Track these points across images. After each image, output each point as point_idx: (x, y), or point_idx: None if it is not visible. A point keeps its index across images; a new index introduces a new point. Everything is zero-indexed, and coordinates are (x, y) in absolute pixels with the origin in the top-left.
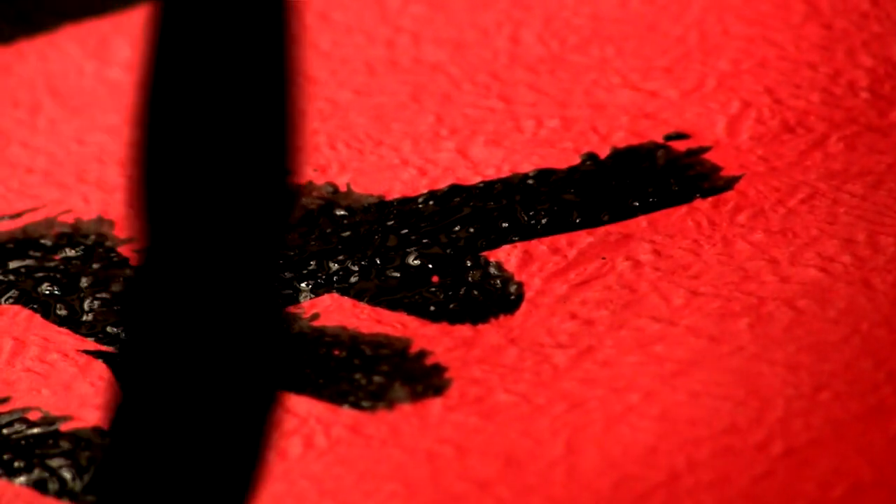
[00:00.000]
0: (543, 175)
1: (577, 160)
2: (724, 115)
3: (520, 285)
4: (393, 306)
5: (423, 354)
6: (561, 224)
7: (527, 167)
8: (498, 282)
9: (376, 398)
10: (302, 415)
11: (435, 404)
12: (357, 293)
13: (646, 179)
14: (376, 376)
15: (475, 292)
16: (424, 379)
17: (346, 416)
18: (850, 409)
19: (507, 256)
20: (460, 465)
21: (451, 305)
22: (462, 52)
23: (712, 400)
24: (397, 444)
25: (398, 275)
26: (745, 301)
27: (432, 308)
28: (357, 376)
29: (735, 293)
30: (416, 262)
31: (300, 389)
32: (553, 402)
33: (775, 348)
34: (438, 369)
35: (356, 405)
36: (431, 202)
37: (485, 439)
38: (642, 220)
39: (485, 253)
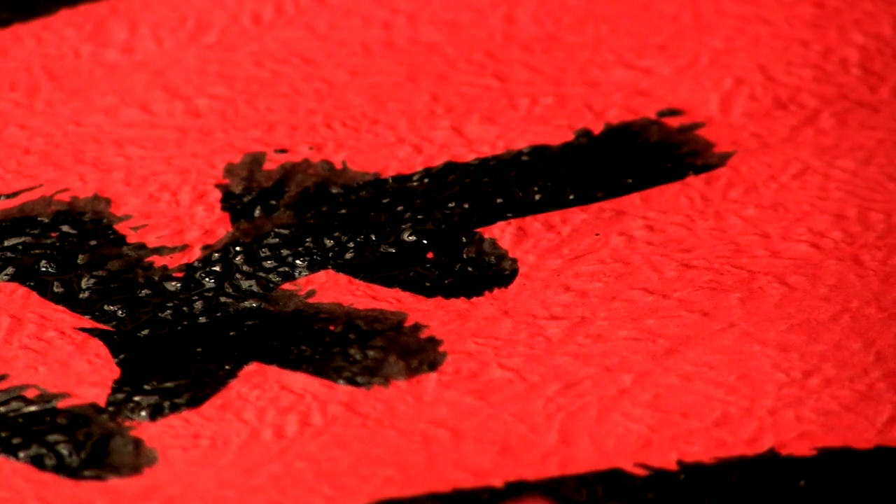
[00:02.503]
0: (538, 152)
1: (571, 137)
2: (717, 92)
3: (514, 261)
4: (388, 282)
5: (418, 328)
6: (555, 201)
7: (521, 144)
8: (492, 258)
9: (372, 373)
10: (298, 391)
11: (430, 380)
12: (352, 269)
13: (639, 156)
14: (371, 351)
15: (470, 269)
16: (419, 353)
17: (342, 393)
18: (839, 399)
19: (501, 233)
20: (456, 451)
21: (447, 281)
22: (457, 32)
23: (704, 385)
24: (393, 425)
25: (393, 251)
26: (736, 275)
27: (427, 284)
28: (352, 351)
29: (727, 267)
30: (411, 238)
31: (296, 366)
32: (547, 381)
33: (766, 326)
34: (433, 342)
35: (352, 381)
36: (426, 179)
37: (480, 423)
38: (635, 197)
39: (479, 229)
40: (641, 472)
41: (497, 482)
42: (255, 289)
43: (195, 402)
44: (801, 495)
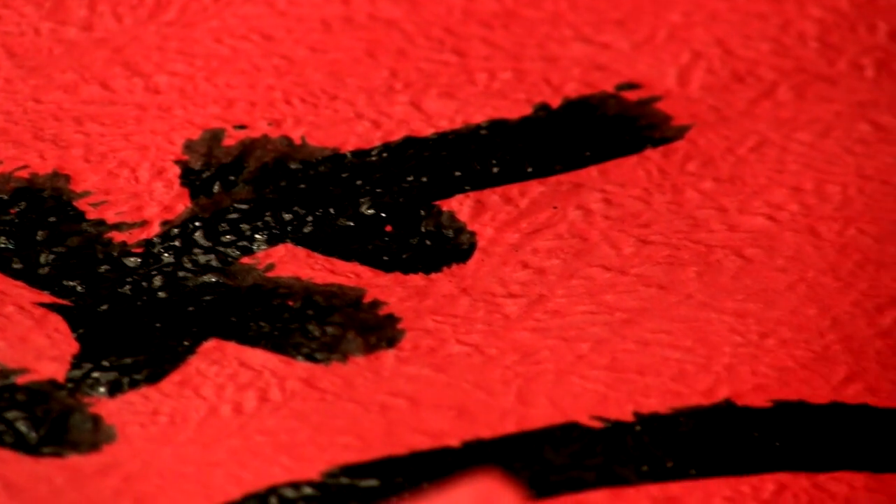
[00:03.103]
0: (496, 126)
1: (529, 111)
2: (675, 65)
3: (472, 234)
4: (346, 256)
5: (376, 305)
6: (513, 174)
7: (480, 118)
8: (451, 232)
9: (330, 350)
10: (257, 368)
11: (388, 356)
12: (311, 243)
13: (597, 129)
14: (330, 327)
15: (428, 242)
16: (378, 330)
17: (300, 369)
18: (795, 356)
19: (459, 206)
20: (413, 417)
21: (405, 255)
22: (417, 8)
23: (661, 349)
24: (351, 398)
25: (352, 224)
26: (693, 249)
27: (385, 258)
28: (311, 327)
29: (684, 241)
30: (369, 211)
31: (255, 342)
32: (505, 353)
33: (723, 297)
34: (392, 320)
35: (310, 357)
36: (385, 154)
37: (437, 391)
38: (593, 170)
39: (438, 202)
40: (598, 424)
41: (454, 442)
42: (214, 263)
43: (154, 378)
44: (755, 445)
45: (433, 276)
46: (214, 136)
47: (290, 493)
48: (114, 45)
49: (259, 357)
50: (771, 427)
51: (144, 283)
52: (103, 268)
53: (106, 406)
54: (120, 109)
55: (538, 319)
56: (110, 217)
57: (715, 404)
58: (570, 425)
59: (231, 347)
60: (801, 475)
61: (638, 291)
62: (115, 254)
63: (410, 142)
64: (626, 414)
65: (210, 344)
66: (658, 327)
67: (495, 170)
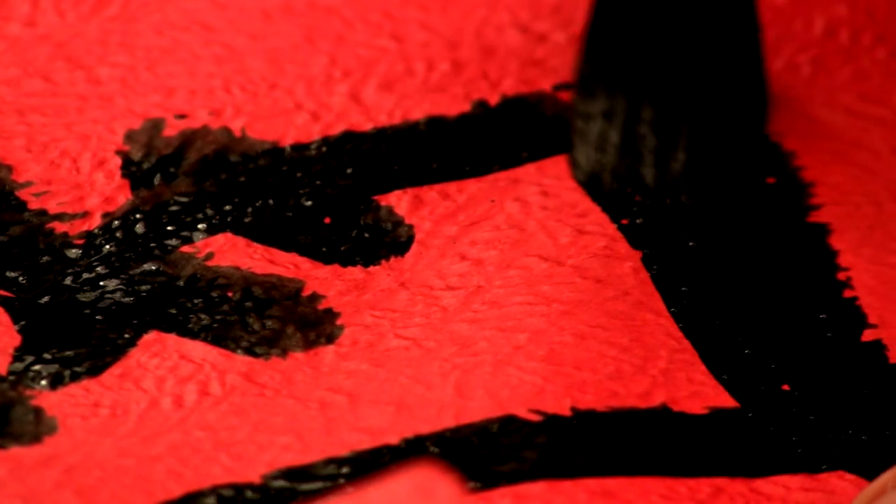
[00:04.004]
0: (434, 122)
1: (468, 107)
2: None
3: (410, 227)
4: (285, 246)
5: (315, 298)
6: (451, 172)
7: (418, 114)
8: (389, 225)
9: (270, 344)
10: (197, 361)
11: (328, 352)
12: (251, 233)
13: (535, 129)
14: (269, 321)
15: (366, 234)
16: (317, 326)
17: (240, 363)
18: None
19: (398, 201)
20: (353, 414)
21: (343, 247)
22: None
23: (598, 344)
24: (291, 394)
25: (291, 215)
26: (628, 243)
27: (324, 249)
28: (250, 320)
29: (620, 233)
30: (308, 203)
31: (195, 335)
32: (442, 345)
33: (658, 297)
34: (331, 315)
35: (250, 351)
36: (324, 148)
37: (376, 386)
38: (531, 167)
39: (376, 197)
40: (536, 417)
41: (394, 440)
42: (154, 253)
43: (95, 371)
44: (692, 450)
45: (371, 268)
46: (155, 126)
47: (229, 493)
48: (56, 40)
49: (199, 350)
50: (707, 434)
51: (86, 275)
52: (45, 258)
53: (47, 398)
54: (62, 101)
55: (476, 311)
56: (52, 207)
57: (651, 408)
58: (508, 418)
59: (172, 340)
60: (738, 480)
61: (575, 283)
62: (57, 244)
63: (349, 136)
64: (563, 408)
65: (151, 336)
66: (595, 321)
67: (433, 167)
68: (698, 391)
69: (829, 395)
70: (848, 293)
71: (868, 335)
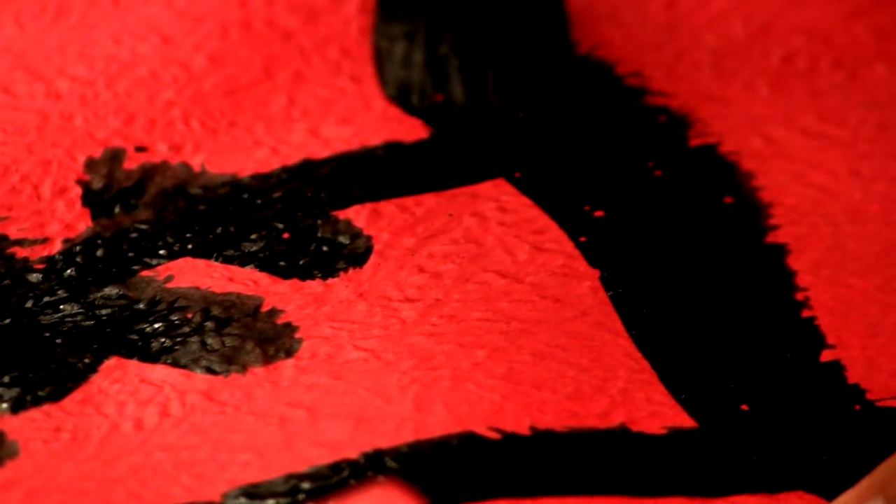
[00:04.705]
0: (392, 148)
1: (426, 135)
2: None
3: (368, 238)
4: (244, 262)
5: (274, 313)
6: (409, 188)
7: (377, 140)
8: (347, 237)
9: (229, 361)
10: (157, 383)
11: (287, 365)
12: (209, 252)
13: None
14: (228, 339)
15: (325, 248)
16: (276, 340)
17: (200, 382)
18: None
19: (356, 215)
20: (312, 428)
21: (302, 262)
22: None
23: (557, 364)
24: (250, 410)
25: (251, 233)
26: (586, 261)
27: (282, 264)
28: (210, 340)
29: (578, 251)
30: (268, 223)
31: (156, 358)
32: (401, 358)
33: (617, 318)
34: (290, 329)
35: (210, 370)
36: (284, 175)
37: (335, 399)
38: (488, 184)
39: (334, 212)
40: (495, 435)
41: (353, 454)
42: (115, 278)
43: (56, 396)
44: (650, 470)
45: (330, 281)
46: (115, 157)
47: None
48: (16, 50)
49: (160, 372)
50: (666, 453)
51: (46, 298)
52: (5, 282)
53: (9, 422)
54: (22, 116)
55: (434, 324)
56: (12, 233)
57: (610, 428)
58: (467, 435)
59: (132, 365)
60: (697, 499)
61: (534, 302)
62: (17, 269)
63: (308, 164)
64: (522, 427)
65: (111, 362)
66: (554, 341)
67: (391, 186)
68: (657, 411)
69: (788, 415)
70: (806, 313)
71: (826, 355)
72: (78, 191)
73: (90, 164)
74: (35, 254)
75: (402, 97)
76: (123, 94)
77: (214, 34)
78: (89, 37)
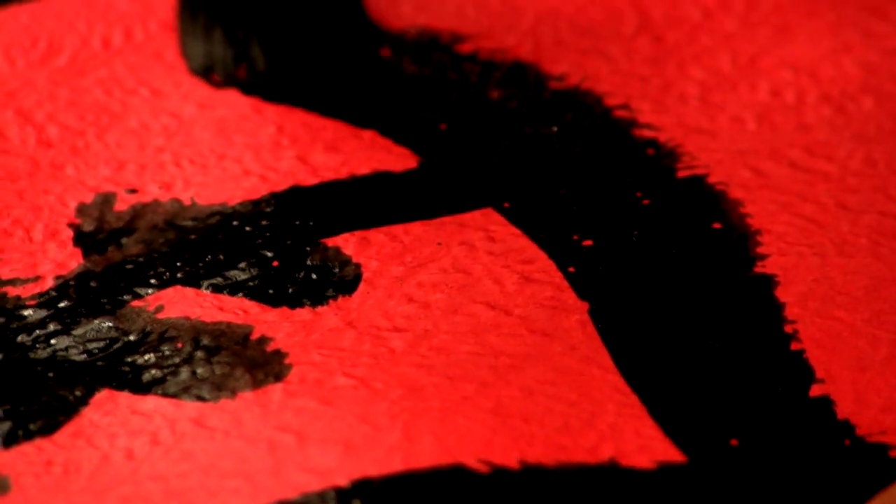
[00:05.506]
0: (381, 177)
1: (414, 164)
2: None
3: (357, 266)
4: (233, 291)
5: (263, 341)
6: (397, 217)
7: (365, 170)
8: (336, 264)
9: (219, 388)
10: (148, 413)
11: (276, 390)
12: (199, 282)
13: (485, 182)
14: (218, 367)
15: (314, 275)
16: (265, 366)
17: (190, 409)
18: None
19: (345, 243)
20: (301, 454)
21: (291, 290)
22: None
23: (546, 399)
24: (240, 435)
25: (240, 262)
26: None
27: (271, 292)
28: (200, 370)
29: (566, 282)
30: (258, 251)
31: (146, 389)
32: (391, 387)
33: (605, 352)
34: (279, 355)
35: (199, 397)
36: (272, 202)
37: (324, 425)
38: (477, 213)
39: (323, 240)
40: (484, 468)
41: (342, 481)
42: (105, 309)
43: (48, 429)
44: (639, 502)
45: (319, 309)
46: (106, 200)
47: None
48: (6, 88)
49: (150, 402)
50: (655, 488)
51: (38, 332)
52: None
53: (1, 457)
54: (13, 161)
55: (423, 355)
56: (4, 273)
57: (599, 462)
58: (456, 467)
59: (123, 396)
60: None
61: (522, 336)
62: (10, 307)
63: (297, 191)
64: (511, 460)
65: (103, 394)
66: (543, 377)
67: (380, 216)
68: (646, 445)
69: (778, 451)
70: (795, 346)
71: (816, 390)
72: (69, 233)
73: (81, 209)
74: (27, 291)
75: (205, 73)
76: (114, 144)
77: (203, 84)
78: (79, 85)
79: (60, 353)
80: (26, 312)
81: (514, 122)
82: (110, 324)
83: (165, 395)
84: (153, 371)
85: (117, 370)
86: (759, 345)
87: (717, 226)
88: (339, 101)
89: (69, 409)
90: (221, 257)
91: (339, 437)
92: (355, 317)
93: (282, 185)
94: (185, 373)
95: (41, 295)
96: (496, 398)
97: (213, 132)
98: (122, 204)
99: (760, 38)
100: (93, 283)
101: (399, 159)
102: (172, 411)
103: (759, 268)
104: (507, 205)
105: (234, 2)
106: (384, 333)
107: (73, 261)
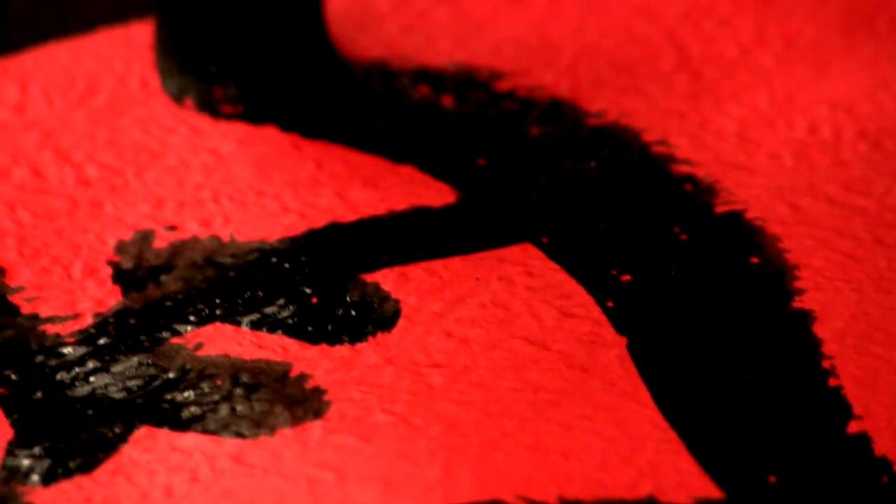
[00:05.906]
0: (419, 212)
1: (453, 199)
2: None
3: (396, 302)
4: (273, 328)
5: (303, 378)
6: (436, 252)
7: (403, 205)
8: (375, 300)
9: (258, 425)
10: (187, 450)
11: (315, 427)
12: (238, 319)
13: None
14: (257, 404)
15: (353, 312)
16: (304, 403)
17: (229, 446)
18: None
19: (384, 279)
20: (340, 491)
21: (330, 326)
22: None
23: (584, 434)
24: (279, 472)
25: (282, 302)
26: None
27: (310, 329)
28: (239, 407)
29: (605, 317)
30: (296, 288)
31: (186, 426)
32: (429, 424)
33: (644, 387)
34: (318, 392)
35: (239, 434)
36: (311, 238)
37: (363, 461)
38: (515, 248)
39: (362, 276)
40: None
41: None
42: (144, 346)
43: (87, 466)
44: None
45: (358, 345)
46: (145, 238)
47: None
48: (44, 128)
49: (189, 439)
50: None
51: (77, 370)
52: (38, 357)
53: (40, 495)
54: (52, 200)
55: (462, 391)
56: (44, 311)
57: (638, 499)
58: (496, 503)
59: (163, 433)
60: None
61: (561, 371)
62: (49, 344)
63: (335, 227)
64: (550, 496)
65: (142, 431)
66: (581, 412)
67: (418, 250)
68: (685, 481)
69: (815, 487)
70: (833, 382)
71: (853, 426)
72: (108, 271)
73: (120, 247)
74: (66, 329)
75: (181, 100)
76: (153, 182)
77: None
78: (116, 124)
79: (99, 391)
80: (65, 350)
81: (552, 158)
82: (149, 361)
83: (205, 431)
84: (192, 408)
85: (156, 407)
86: (797, 381)
87: (754, 261)
88: (313, 126)
89: (108, 447)
90: (260, 294)
91: (378, 474)
92: (394, 353)
93: (320, 222)
94: (224, 410)
95: (80, 332)
96: (535, 434)
97: (252, 169)
98: (161, 241)
99: (798, 75)
100: (132, 321)
101: (437, 195)
102: (212, 448)
103: (797, 303)
104: (545, 240)
105: (203, 39)
106: (423, 369)
107: (112, 298)
